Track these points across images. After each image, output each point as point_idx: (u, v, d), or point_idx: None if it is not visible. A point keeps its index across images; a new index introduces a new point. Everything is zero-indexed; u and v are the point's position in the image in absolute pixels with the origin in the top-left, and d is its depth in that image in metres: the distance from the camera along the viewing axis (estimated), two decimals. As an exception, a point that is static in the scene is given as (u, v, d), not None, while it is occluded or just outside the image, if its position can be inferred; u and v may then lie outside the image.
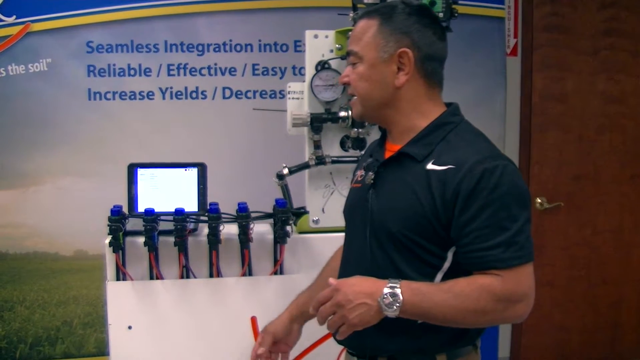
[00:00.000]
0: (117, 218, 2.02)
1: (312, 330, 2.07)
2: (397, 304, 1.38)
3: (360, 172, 1.65)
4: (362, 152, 2.09)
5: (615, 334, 3.67)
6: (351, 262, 1.61)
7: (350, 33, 2.08)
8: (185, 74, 3.16)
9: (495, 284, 1.38)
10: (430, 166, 1.46)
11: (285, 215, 2.10)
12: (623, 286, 3.63)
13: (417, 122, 1.53)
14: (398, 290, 1.38)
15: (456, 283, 1.41)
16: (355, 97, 1.58)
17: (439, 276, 1.46)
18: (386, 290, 1.38)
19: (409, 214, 1.45)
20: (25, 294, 3.15)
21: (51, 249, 3.16)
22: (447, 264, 1.46)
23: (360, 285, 1.42)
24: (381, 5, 1.59)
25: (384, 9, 1.54)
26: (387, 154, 1.57)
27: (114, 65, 3.11)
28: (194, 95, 3.18)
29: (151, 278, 2.09)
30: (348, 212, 1.67)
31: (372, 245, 1.51)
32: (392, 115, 1.55)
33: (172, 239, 2.05)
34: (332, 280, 1.46)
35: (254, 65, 3.20)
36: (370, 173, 1.56)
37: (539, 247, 3.55)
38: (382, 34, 1.50)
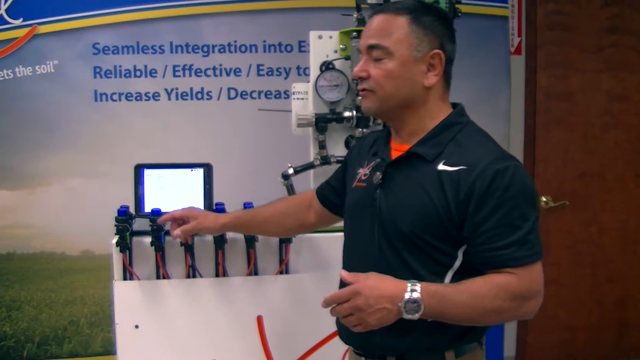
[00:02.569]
0: (124, 218, 2.03)
1: (317, 329, 2.09)
2: (418, 309, 1.39)
3: (364, 171, 1.64)
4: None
5: (621, 332, 3.66)
6: (355, 260, 1.61)
7: (356, 32, 2.11)
8: (190, 75, 3.18)
9: (511, 282, 1.41)
10: (441, 166, 1.47)
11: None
12: (629, 284, 3.62)
13: (427, 122, 1.54)
14: (418, 295, 1.38)
15: (473, 283, 1.42)
16: (369, 92, 1.54)
17: (450, 275, 1.48)
18: (407, 296, 1.38)
19: (420, 213, 1.46)
20: (32, 293, 3.18)
21: (58, 249, 3.19)
22: (457, 263, 1.48)
23: (380, 289, 1.41)
24: (406, 3, 1.55)
25: (412, 7, 1.52)
26: (394, 154, 1.57)
27: (120, 66, 3.13)
28: (199, 96, 3.20)
29: (158, 278, 2.10)
30: (352, 211, 1.66)
31: (381, 244, 1.52)
32: (407, 115, 1.55)
33: (178, 239, 2.06)
34: (346, 276, 1.45)
35: (258, 65, 3.22)
36: (378, 173, 1.56)
37: (545, 246, 3.51)
38: (416, 32, 1.49)
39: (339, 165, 2.19)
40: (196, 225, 1.89)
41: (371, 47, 1.52)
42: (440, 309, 1.40)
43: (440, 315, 1.42)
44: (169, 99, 3.18)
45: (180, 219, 1.91)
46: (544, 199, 3.50)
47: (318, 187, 1.90)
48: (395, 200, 1.51)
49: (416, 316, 1.39)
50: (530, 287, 1.43)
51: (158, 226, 2.02)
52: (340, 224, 1.75)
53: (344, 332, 1.65)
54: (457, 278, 1.47)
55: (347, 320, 1.44)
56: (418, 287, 1.39)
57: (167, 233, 2.06)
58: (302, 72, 3.18)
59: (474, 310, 1.41)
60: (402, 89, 1.51)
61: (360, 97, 1.61)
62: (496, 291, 1.40)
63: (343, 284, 1.65)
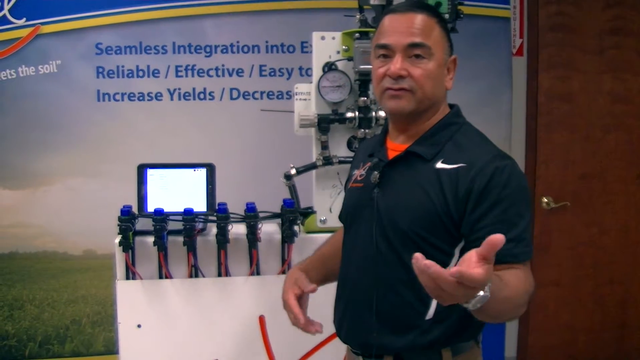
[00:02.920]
0: (127, 218, 2.04)
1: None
2: (483, 300, 1.23)
3: (359, 172, 1.64)
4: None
5: (622, 333, 3.66)
6: (355, 260, 1.62)
7: (359, 34, 2.11)
8: (193, 75, 3.18)
9: (527, 278, 1.40)
10: (439, 165, 1.48)
11: (293, 215, 2.13)
12: (630, 285, 3.62)
13: (425, 123, 1.56)
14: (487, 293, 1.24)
15: (509, 277, 1.34)
16: (407, 91, 1.50)
17: (445, 273, 1.48)
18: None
19: (420, 212, 1.47)
20: (34, 292, 3.19)
21: (60, 249, 3.19)
22: (454, 261, 1.48)
23: None
24: (423, 3, 1.58)
25: (432, 9, 1.56)
26: (391, 153, 1.58)
27: (123, 66, 3.14)
28: (201, 96, 3.20)
29: (160, 277, 2.11)
30: (350, 212, 1.66)
31: (378, 243, 1.53)
32: (426, 116, 1.55)
33: (181, 239, 2.07)
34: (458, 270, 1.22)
35: (261, 66, 3.23)
36: (376, 172, 1.57)
37: (546, 247, 3.58)
38: (445, 36, 1.52)
39: (341, 165, 2.22)
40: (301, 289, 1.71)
41: (413, 45, 1.48)
42: (491, 303, 1.27)
43: (486, 309, 1.27)
44: (172, 99, 3.19)
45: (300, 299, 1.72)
46: (545, 200, 3.50)
47: (339, 216, 1.80)
48: (393, 199, 1.52)
49: (477, 306, 1.23)
50: (532, 283, 1.43)
51: (161, 226, 2.03)
52: (342, 224, 1.75)
53: (342, 331, 1.66)
54: None
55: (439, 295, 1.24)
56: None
57: (170, 233, 2.08)
58: (305, 72, 3.19)
59: (511, 305, 1.35)
60: (436, 90, 1.52)
61: (389, 96, 1.52)
62: (524, 285, 1.38)
63: (342, 281, 1.66)
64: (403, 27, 1.49)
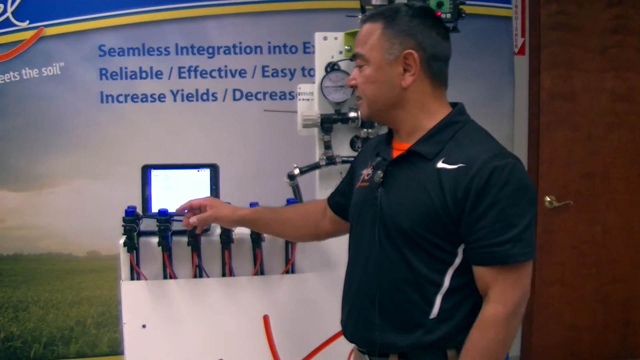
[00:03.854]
0: (131, 219, 2.04)
1: (323, 328, 2.10)
2: None
3: (367, 171, 1.66)
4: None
5: (626, 331, 3.66)
6: (359, 260, 1.63)
7: (358, 35, 2.12)
8: (196, 77, 3.19)
9: (497, 312, 1.45)
10: (440, 164, 1.48)
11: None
12: (634, 284, 3.62)
13: (424, 121, 1.56)
14: None
15: (471, 340, 1.46)
16: (362, 99, 1.61)
17: (450, 272, 1.49)
18: None
19: (420, 211, 1.47)
20: (39, 294, 3.20)
21: (65, 250, 3.20)
22: (458, 260, 1.49)
23: None
24: (384, 8, 1.60)
25: (388, 12, 1.56)
26: (395, 153, 1.59)
27: (126, 68, 3.15)
28: (204, 97, 3.21)
29: (165, 277, 2.11)
30: (356, 210, 1.68)
31: (382, 242, 1.53)
32: (400, 115, 1.57)
33: (185, 239, 2.07)
34: None
35: (263, 67, 3.24)
36: (379, 172, 1.58)
37: (549, 246, 3.58)
38: (387, 36, 1.53)
39: (344, 165, 2.22)
40: (213, 213, 1.89)
41: (354, 57, 1.60)
42: None
43: None
44: (175, 100, 3.20)
45: (197, 208, 1.92)
46: (548, 199, 3.50)
47: (329, 197, 1.90)
48: (395, 199, 1.53)
49: None
50: (520, 295, 1.46)
51: (165, 226, 2.03)
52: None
53: (348, 330, 1.67)
54: (457, 275, 1.49)
55: None
56: None
57: (175, 233, 2.08)
58: (307, 73, 3.20)
59: (495, 350, 1.46)
60: (381, 92, 1.56)
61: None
62: (493, 330, 1.44)
63: (348, 281, 1.67)
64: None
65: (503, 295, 1.44)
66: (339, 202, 1.85)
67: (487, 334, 1.45)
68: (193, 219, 1.90)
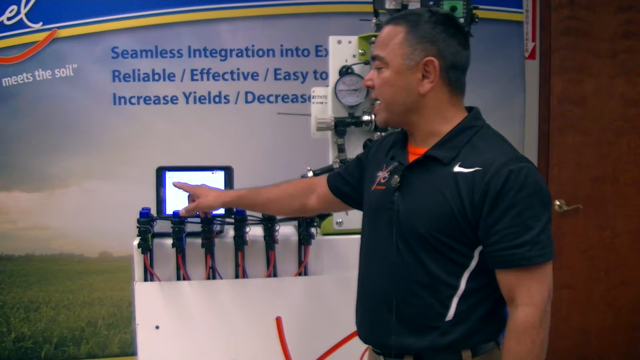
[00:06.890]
0: (146, 220, 2.05)
1: (335, 330, 2.11)
2: None
3: (383, 174, 1.66)
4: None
5: (635, 336, 3.65)
6: (375, 262, 1.64)
7: (374, 38, 2.13)
8: (208, 79, 3.21)
9: (528, 316, 1.44)
10: (457, 169, 1.49)
11: (310, 217, 2.14)
12: (642, 288, 3.63)
13: (440, 126, 1.57)
14: None
15: (509, 349, 1.45)
16: (379, 102, 1.61)
17: (466, 275, 1.50)
18: None
19: (437, 215, 1.48)
20: (50, 294, 3.21)
21: (76, 251, 3.22)
22: (473, 263, 1.50)
23: None
24: (408, 12, 1.61)
25: (411, 16, 1.56)
26: (411, 157, 1.60)
27: (139, 70, 3.16)
28: (217, 99, 3.22)
29: (178, 279, 2.13)
30: (371, 213, 1.69)
31: (398, 246, 1.54)
32: (416, 120, 1.58)
33: (199, 241, 2.09)
34: None
35: (276, 70, 3.25)
36: (396, 176, 1.58)
37: (558, 250, 3.52)
38: (409, 41, 1.53)
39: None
40: (198, 204, 1.99)
41: (374, 58, 1.60)
42: None
43: None
44: (187, 102, 3.21)
45: (191, 196, 2.02)
46: (558, 203, 3.50)
47: (329, 176, 1.91)
48: (412, 203, 1.54)
49: None
50: (546, 295, 1.46)
51: (179, 228, 2.05)
52: (360, 226, 1.76)
53: (362, 331, 1.68)
54: (472, 278, 1.50)
55: None
56: None
57: (188, 235, 2.09)
58: (319, 76, 3.21)
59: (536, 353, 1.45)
60: (398, 96, 1.56)
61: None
62: (529, 335, 1.44)
63: (363, 284, 1.68)
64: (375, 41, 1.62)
65: (530, 296, 1.44)
66: (339, 186, 1.86)
67: (525, 341, 1.44)
68: (182, 211, 2.01)
